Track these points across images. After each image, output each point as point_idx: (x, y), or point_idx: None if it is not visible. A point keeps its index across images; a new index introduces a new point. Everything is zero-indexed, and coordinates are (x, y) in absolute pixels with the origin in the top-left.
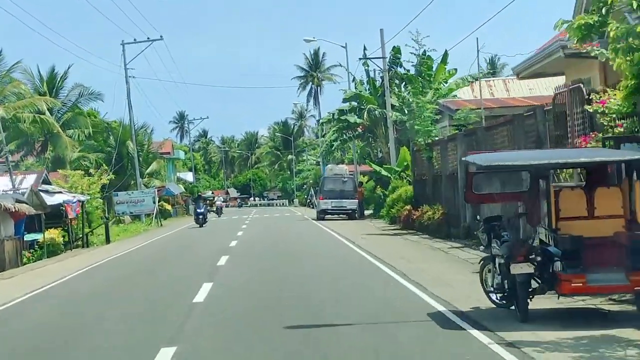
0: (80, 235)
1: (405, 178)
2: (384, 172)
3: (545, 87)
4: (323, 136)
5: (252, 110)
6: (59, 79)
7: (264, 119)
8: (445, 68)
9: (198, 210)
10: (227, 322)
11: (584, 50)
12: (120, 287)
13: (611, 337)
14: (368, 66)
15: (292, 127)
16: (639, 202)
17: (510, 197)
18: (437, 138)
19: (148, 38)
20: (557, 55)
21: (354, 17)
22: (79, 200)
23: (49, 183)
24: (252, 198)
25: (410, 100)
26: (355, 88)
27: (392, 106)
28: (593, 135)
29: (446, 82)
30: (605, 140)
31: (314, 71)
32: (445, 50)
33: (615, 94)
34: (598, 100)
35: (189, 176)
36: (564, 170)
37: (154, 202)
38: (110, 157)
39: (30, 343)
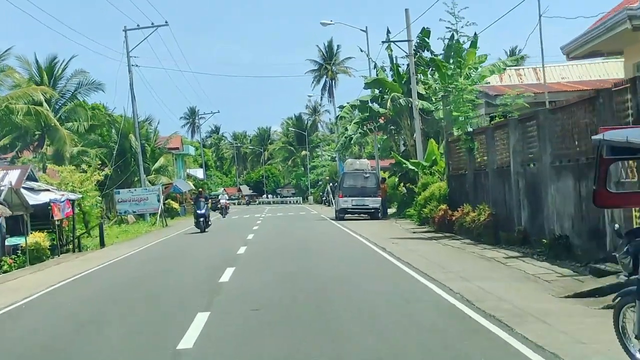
0: (72, 239)
1: (434, 173)
2: (410, 167)
3: (579, 76)
4: (346, 128)
5: (265, 105)
6: (58, 67)
7: (276, 115)
8: (476, 53)
9: (198, 212)
10: None
11: None
12: (84, 329)
13: None
14: (392, 50)
15: (306, 122)
16: None
17: None
18: (478, 126)
19: (152, 24)
20: (623, 27)
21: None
22: (69, 199)
23: (35, 180)
24: (265, 195)
25: (446, 82)
26: (377, 75)
27: (419, 94)
28: None
29: (477, 69)
30: None
31: (328, 64)
32: (475, 34)
33: None
34: None
35: (199, 173)
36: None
37: (159, 201)
38: (113, 151)
39: None
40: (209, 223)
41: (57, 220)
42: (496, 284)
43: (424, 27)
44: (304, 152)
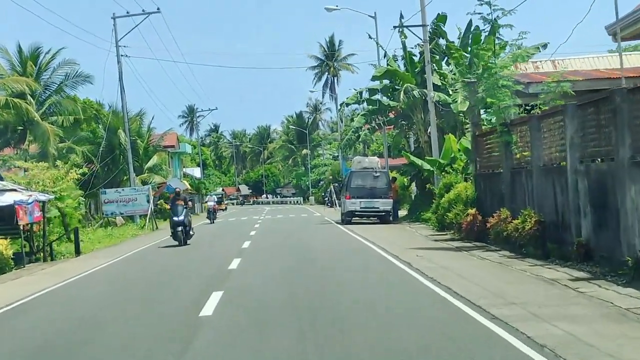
0: (42, 246)
1: (457, 172)
2: (425, 166)
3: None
4: (352, 120)
5: (264, 103)
6: (43, 58)
7: (276, 113)
8: (495, 41)
9: (175, 219)
10: None
11: None
12: None
13: None
14: (405, 37)
15: (307, 120)
16: None
17: None
18: (515, 116)
19: (143, 10)
20: None
21: None
22: (38, 201)
23: (1, 179)
24: (264, 195)
25: (465, 71)
26: (387, 64)
27: (434, 85)
28: None
29: (497, 57)
30: None
31: (330, 60)
32: (495, 20)
33: None
34: None
35: (197, 172)
36: None
37: (148, 202)
38: (101, 149)
39: None
40: (191, 233)
41: (23, 224)
42: (588, 327)
43: (439, 13)
44: (304, 151)
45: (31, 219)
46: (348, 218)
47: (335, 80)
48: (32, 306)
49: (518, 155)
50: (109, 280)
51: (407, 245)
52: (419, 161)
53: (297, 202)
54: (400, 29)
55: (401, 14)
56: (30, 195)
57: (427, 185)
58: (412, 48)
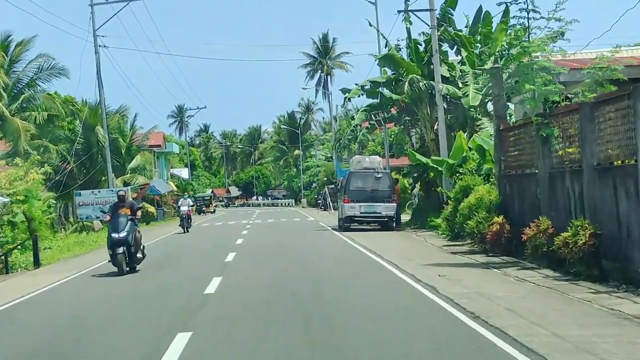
0: None
1: (469, 173)
2: (433, 166)
3: None
4: (353, 117)
5: (255, 103)
6: (14, 48)
7: (268, 113)
8: (507, 29)
9: (114, 236)
10: None
11: None
12: None
13: None
14: (411, 23)
15: (299, 120)
16: None
17: None
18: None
19: None
20: None
21: None
22: None
23: None
24: (254, 197)
25: (476, 60)
26: (388, 52)
27: (442, 77)
28: None
29: (511, 46)
30: None
31: (323, 58)
32: (507, 5)
33: None
34: None
35: (184, 173)
36: None
37: None
38: (78, 146)
39: None
40: (139, 255)
41: None
42: None
43: None
44: (296, 152)
45: None
46: (346, 224)
47: (329, 79)
48: None
49: (560, 152)
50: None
51: (422, 259)
52: (425, 160)
53: (289, 204)
54: (406, 14)
55: None
56: None
57: (440, 189)
58: (418, 35)
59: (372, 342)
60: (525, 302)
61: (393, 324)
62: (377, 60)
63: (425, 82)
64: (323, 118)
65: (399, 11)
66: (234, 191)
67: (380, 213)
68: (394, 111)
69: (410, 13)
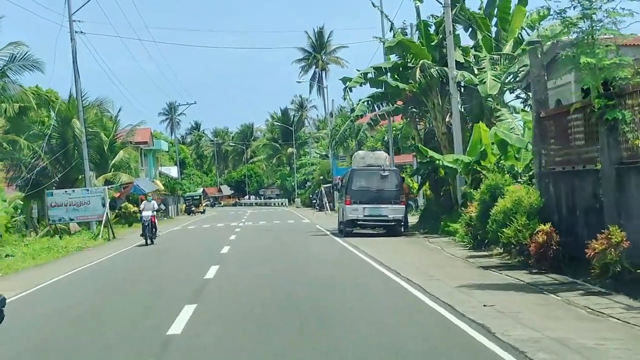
0: None
1: (498, 170)
2: (447, 163)
3: None
4: (352, 109)
5: (248, 100)
6: None
7: (261, 111)
8: (525, 11)
9: None
10: None
11: None
12: None
13: None
14: (421, 1)
15: (293, 117)
16: None
17: None
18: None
19: None
20: None
21: None
22: None
23: None
24: (247, 196)
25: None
26: (394, 37)
27: (456, 63)
28: None
29: (532, 28)
30: None
31: (318, 53)
32: None
33: None
34: None
35: (173, 171)
36: None
37: (104, 205)
38: (52, 141)
39: None
40: None
41: None
42: None
43: None
44: (290, 150)
45: None
46: (348, 229)
47: (324, 75)
48: None
49: (636, 142)
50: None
51: (449, 277)
52: (437, 157)
53: (282, 204)
54: None
55: None
56: None
57: (448, 188)
58: (428, 18)
59: None
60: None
61: None
62: (385, 46)
63: (437, 68)
64: (317, 116)
65: None
66: (226, 190)
67: (386, 216)
68: (400, 104)
69: None
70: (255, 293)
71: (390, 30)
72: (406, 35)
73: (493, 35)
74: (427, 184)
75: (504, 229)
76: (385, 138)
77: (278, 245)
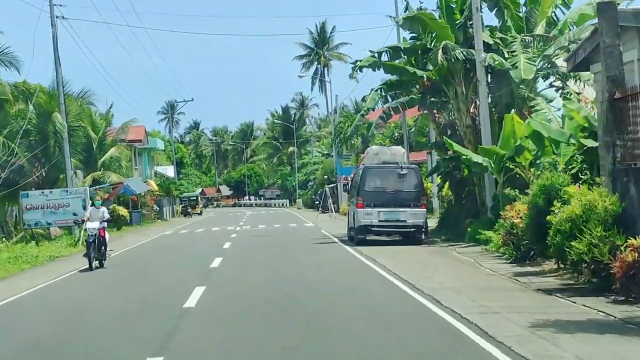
0: None
1: (550, 167)
2: (475, 159)
3: None
4: (363, 99)
5: (248, 98)
6: None
7: (261, 109)
8: None
9: None
10: None
11: None
12: None
13: None
14: None
15: (294, 115)
16: None
17: None
18: None
19: None
20: None
21: None
22: None
23: None
24: (247, 197)
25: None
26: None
27: (484, 45)
28: None
29: (568, 7)
30: None
31: (320, 49)
32: None
33: None
34: None
35: (170, 170)
36: None
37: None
38: (30, 137)
39: None
40: None
41: None
42: None
43: None
44: (290, 149)
45: None
46: (360, 236)
47: (326, 71)
48: None
49: None
50: None
51: (509, 308)
52: (465, 153)
53: (283, 204)
54: None
55: None
56: None
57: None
58: None
59: None
60: None
61: None
62: (400, 22)
63: (462, 50)
64: (318, 114)
65: None
66: (225, 190)
67: (405, 221)
68: (415, 94)
69: None
70: (249, 331)
71: (405, 11)
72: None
73: (522, 15)
74: (446, 184)
75: (572, 242)
76: (395, 134)
77: (280, 258)
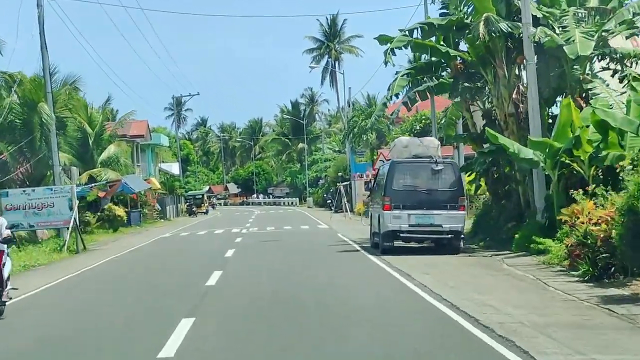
0: None
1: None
2: (524, 154)
3: None
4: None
5: (256, 94)
6: None
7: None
8: None
9: None
10: None
11: None
12: None
13: None
14: None
15: (303, 111)
16: None
17: None
18: None
19: None
20: None
21: None
22: None
23: None
24: (255, 195)
25: None
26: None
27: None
28: None
29: None
30: None
31: (331, 42)
32: None
33: None
34: None
35: (175, 168)
36: None
37: (71, 209)
38: (15, 130)
39: None
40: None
41: None
42: None
43: None
44: (300, 145)
45: None
46: (387, 243)
47: (337, 65)
48: None
49: None
50: None
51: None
52: (511, 145)
53: (292, 203)
54: None
55: None
56: None
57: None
58: None
59: None
60: None
61: None
62: None
63: (507, 23)
64: (328, 110)
65: None
66: (233, 188)
67: (440, 226)
68: (453, 73)
69: None
70: None
71: None
72: None
73: None
74: (483, 182)
75: None
76: (416, 127)
77: (293, 272)
